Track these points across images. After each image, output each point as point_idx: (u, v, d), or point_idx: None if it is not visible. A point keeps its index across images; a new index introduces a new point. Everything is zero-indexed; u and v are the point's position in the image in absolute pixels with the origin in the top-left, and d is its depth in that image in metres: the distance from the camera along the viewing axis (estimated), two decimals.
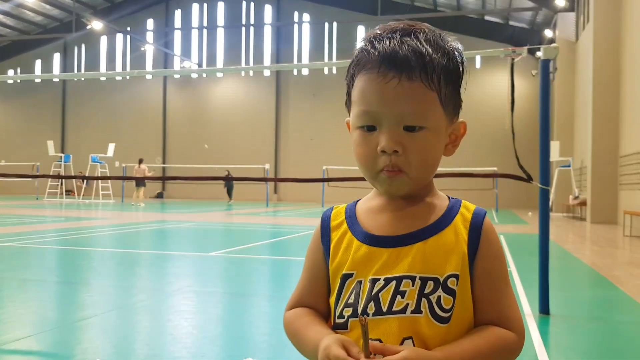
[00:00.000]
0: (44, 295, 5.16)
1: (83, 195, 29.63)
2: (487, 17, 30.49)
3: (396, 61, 0.94)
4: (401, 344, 0.94)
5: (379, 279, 0.97)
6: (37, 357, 3.28)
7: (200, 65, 35.13)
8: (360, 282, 0.99)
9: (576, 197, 19.81)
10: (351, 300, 0.99)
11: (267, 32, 34.71)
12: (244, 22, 34.85)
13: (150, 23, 36.34)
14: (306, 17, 33.89)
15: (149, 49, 35.31)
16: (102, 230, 11.72)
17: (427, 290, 0.95)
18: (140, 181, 23.54)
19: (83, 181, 30.54)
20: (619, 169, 16.90)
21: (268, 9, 34.48)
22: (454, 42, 1.02)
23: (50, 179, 29.24)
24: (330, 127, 30.24)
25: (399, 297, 0.95)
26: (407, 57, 0.94)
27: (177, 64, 35.67)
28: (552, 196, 20.94)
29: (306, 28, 33.98)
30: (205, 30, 35.57)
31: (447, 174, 5.16)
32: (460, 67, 1.01)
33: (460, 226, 1.00)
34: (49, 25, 36.64)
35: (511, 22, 30.12)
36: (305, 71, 33.01)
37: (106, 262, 7.39)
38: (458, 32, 30.43)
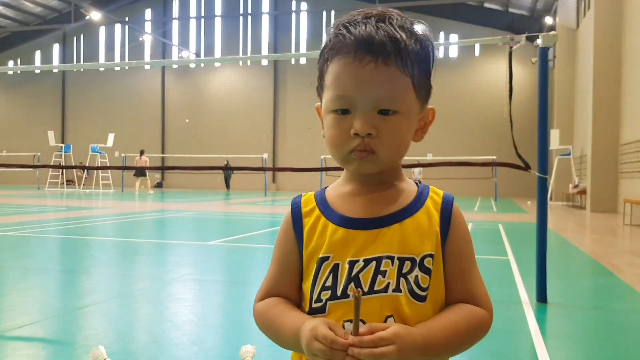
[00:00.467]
0: (46, 283, 5.19)
1: (83, 185, 29.66)
2: (486, 4, 30.32)
3: (372, 46, 0.95)
4: (384, 322, 0.96)
5: (357, 261, 0.98)
6: (40, 344, 3.31)
7: (198, 55, 35.03)
8: (337, 264, 1.00)
9: (576, 186, 19.83)
10: (329, 283, 0.99)
11: (265, 21, 34.57)
12: (241, 11, 34.69)
13: (148, 13, 36.19)
14: (304, 5, 33.74)
15: (147, 39, 35.18)
16: (103, 220, 11.75)
17: (404, 270, 0.98)
18: (140, 171, 23.58)
19: (83, 171, 30.57)
20: (620, 157, 16.90)
21: None
22: (426, 30, 1.04)
23: (51, 169, 29.24)
24: None
25: (380, 276, 0.97)
26: (383, 42, 0.95)
27: (175, 53, 35.56)
28: (551, 185, 20.97)
29: (304, 17, 33.83)
30: (203, 20, 35.43)
31: (446, 163, 5.17)
32: (431, 55, 1.03)
33: (432, 209, 1.04)
34: (48, 16, 36.49)
35: (511, 9, 29.97)
36: (303, 60, 32.91)
37: (107, 251, 7.43)
38: (457, 20, 30.44)
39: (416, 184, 1.09)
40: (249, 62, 34.55)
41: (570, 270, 6.60)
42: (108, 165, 27.01)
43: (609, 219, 14.23)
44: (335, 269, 0.99)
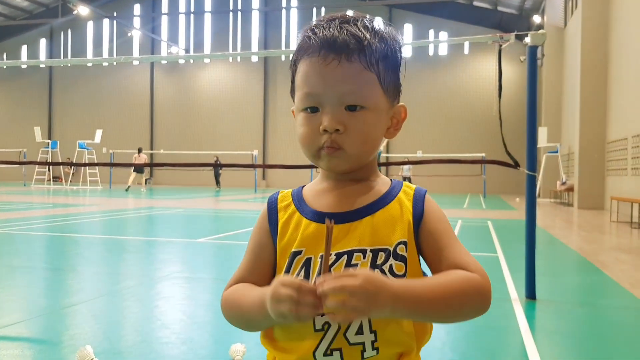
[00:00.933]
0: (32, 281, 5.14)
1: (70, 181, 29.42)
2: (475, 3, 30.42)
3: (336, 44, 0.99)
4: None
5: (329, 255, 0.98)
6: (26, 344, 3.27)
7: (187, 50, 34.85)
8: (309, 259, 1.01)
9: (563, 183, 19.98)
10: (301, 277, 0.99)
11: (255, 17, 34.45)
12: (231, 7, 34.56)
13: (137, 8, 35.94)
14: (294, 2, 33.66)
15: (136, 35, 34.93)
16: (90, 217, 11.66)
17: (379, 262, 0.98)
18: (139, 168, 23.50)
19: (70, 167, 30.31)
20: (606, 155, 17.05)
21: None
22: (393, 31, 1.06)
23: (37, 166, 28.98)
24: None
25: (351, 270, 0.96)
26: (345, 41, 0.99)
27: (164, 49, 35.35)
28: (539, 182, 21.10)
29: (294, 13, 33.76)
30: (192, 16, 35.25)
31: (435, 160, 5.18)
32: (398, 54, 1.06)
33: (404, 199, 1.05)
34: (35, 10, 36.13)
35: (500, 8, 30.09)
36: None
37: (94, 249, 7.37)
38: (447, 18, 30.51)
39: (391, 180, 1.10)
40: (238, 59, 34.42)
41: (559, 267, 6.64)
42: (95, 161, 26.82)
43: (596, 216, 14.35)
44: (307, 263, 1.01)
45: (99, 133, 25.72)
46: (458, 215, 12.96)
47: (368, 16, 1.06)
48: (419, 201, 1.06)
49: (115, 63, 36.32)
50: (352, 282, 0.84)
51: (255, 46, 34.01)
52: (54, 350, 3.14)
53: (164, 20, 35.79)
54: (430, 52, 31.10)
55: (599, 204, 17.23)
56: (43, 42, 37.34)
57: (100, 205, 15.19)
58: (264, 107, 33.83)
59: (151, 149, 34.66)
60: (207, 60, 34.80)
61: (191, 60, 35.18)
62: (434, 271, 1.02)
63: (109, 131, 31.31)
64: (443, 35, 30.68)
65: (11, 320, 3.69)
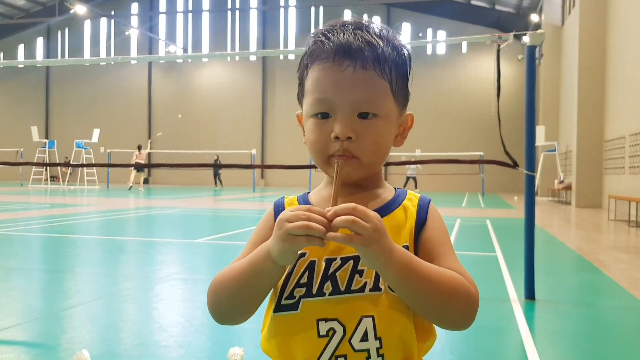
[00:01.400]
0: (30, 283, 5.12)
1: (68, 181, 29.36)
2: (473, 2, 30.42)
3: (351, 51, 0.98)
4: (359, 322, 0.94)
5: (335, 259, 0.98)
6: (23, 347, 3.25)
7: (185, 49, 34.79)
8: (313, 262, 0.99)
9: (561, 182, 19.98)
10: (304, 280, 0.98)
11: (253, 16, 34.39)
12: (229, 6, 34.49)
13: (134, 7, 35.86)
14: (292, 1, 33.61)
15: (134, 33, 34.86)
16: (88, 217, 11.63)
17: None
18: (139, 166, 23.46)
19: (68, 167, 30.26)
20: (604, 154, 17.05)
21: None
22: (402, 40, 1.06)
23: (34, 166, 28.91)
24: None
25: (357, 276, 0.96)
26: (360, 47, 0.98)
27: (162, 48, 35.28)
28: (537, 181, 21.11)
29: (292, 12, 33.71)
30: (190, 14, 35.19)
31: (434, 160, 5.16)
32: (408, 62, 1.06)
33: (408, 206, 1.06)
34: (32, 9, 36.04)
35: (497, 7, 30.08)
36: (291, 56, 32.78)
37: (92, 250, 7.34)
38: (444, 17, 30.50)
39: (395, 189, 1.10)
40: (237, 58, 34.36)
41: (557, 266, 6.64)
42: (93, 161, 26.77)
43: (594, 215, 14.36)
44: (311, 266, 0.99)
45: (96, 132, 25.67)
46: (456, 214, 12.95)
47: (379, 23, 1.05)
48: (422, 208, 1.06)
49: (113, 62, 36.25)
50: (365, 209, 0.86)
51: (253, 45, 33.96)
52: (50, 354, 3.12)
53: (162, 19, 35.72)
54: (429, 51, 31.08)
55: (596, 203, 17.24)
56: (40, 41, 37.24)
57: (97, 206, 15.15)
58: (262, 106, 33.79)
59: (149, 148, 34.57)
60: (205, 60, 34.74)
61: (189, 60, 35.13)
62: None
63: (106, 130, 31.25)
64: (441, 34, 30.67)
65: (7, 323, 3.67)
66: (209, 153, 28.49)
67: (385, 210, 1.04)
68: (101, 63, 35.58)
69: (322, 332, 0.95)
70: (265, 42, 33.83)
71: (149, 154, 33.69)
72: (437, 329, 1.03)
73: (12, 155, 29.66)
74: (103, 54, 35.98)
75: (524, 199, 4.77)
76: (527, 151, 4.71)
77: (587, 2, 17.81)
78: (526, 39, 4.81)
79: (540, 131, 20.44)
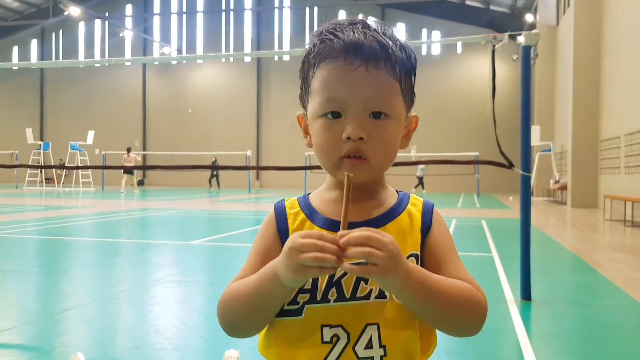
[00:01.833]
0: (25, 286, 5.09)
1: (63, 183, 29.26)
2: (467, 2, 30.46)
3: (362, 50, 0.96)
4: (364, 329, 0.94)
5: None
6: (18, 351, 3.22)
7: (179, 51, 34.72)
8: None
9: (557, 181, 20.03)
10: (308, 286, 0.96)
11: (247, 17, 34.35)
12: (223, 7, 34.45)
13: (128, 8, 35.78)
14: (287, 1, 33.60)
15: (128, 35, 34.76)
16: (83, 219, 11.58)
17: None
18: (129, 170, 23.37)
19: (63, 169, 30.15)
20: (599, 153, 17.10)
21: None
22: (407, 39, 1.04)
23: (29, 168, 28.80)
24: None
25: (362, 283, 0.96)
26: (372, 47, 0.96)
27: (156, 49, 35.20)
28: (532, 181, 21.15)
29: (287, 13, 33.69)
30: (184, 16, 35.12)
31: (430, 161, 5.16)
32: (415, 65, 1.04)
33: (413, 211, 1.04)
34: (26, 11, 35.90)
35: (492, 7, 30.13)
36: (286, 57, 32.77)
37: (87, 252, 7.31)
38: (439, 17, 30.54)
39: (397, 192, 1.09)
40: (231, 59, 34.31)
41: (553, 266, 6.64)
42: (88, 162, 26.68)
43: (590, 214, 14.39)
44: None
45: (91, 134, 25.58)
46: (452, 215, 12.96)
47: (386, 23, 1.03)
48: (427, 213, 1.05)
49: (107, 64, 36.14)
50: (379, 237, 0.83)
51: (248, 46, 33.91)
52: (46, 357, 3.10)
53: (156, 20, 35.64)
54: (423, 52, 31.10)
55: (592, 202, 17.28)
56: (34, 43, 37.10)
57: (93, 208, 15.10)
58: (257, 107, 33.75)
59: (144, 149, 34.51)
60: (199, 61, 34.69)
61: (184, 61, 35.05)
62: None
63: (101, 132, 31.16)
64: (436, 34, 30.70)
65: (3, 326, 3.64)
66: (207, 155, 28.42)
67: (389, 215, 1.02)
68: (95, 65, 35.45)
69: (326, 338, 0.94)
70: (259, 43, 33.80)
71: (144, 155, 33.64)
72: (437, 337, 1.03)
73: (7, 158, 29.53)
74: (97, 55, 35.86)
75: (519, 199, 4.77)
76: (523, 152, 4.71)
77: (581, 2, 17.85)
78: (521, 39, 4.81)
79: (535, 131, 20.48)
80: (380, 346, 0.94)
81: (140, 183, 34.58)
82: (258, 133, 33.70)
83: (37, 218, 11.70)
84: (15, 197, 19.57)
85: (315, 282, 0.97)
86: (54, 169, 31.89)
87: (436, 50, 31.29)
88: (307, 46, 1.03)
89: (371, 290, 0.95)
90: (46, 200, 18.28)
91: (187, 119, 34.41)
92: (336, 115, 0.97)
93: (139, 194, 22.68)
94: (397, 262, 0.85)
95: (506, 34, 4.85)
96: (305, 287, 0.96)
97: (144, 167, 6.49)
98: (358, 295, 0.95)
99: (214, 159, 27.25)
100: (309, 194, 1.10)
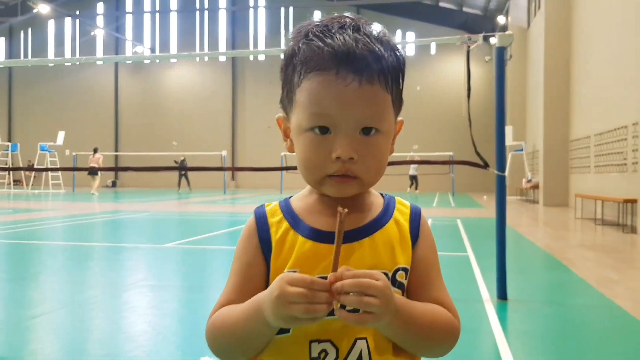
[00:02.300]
0: None
1: (32, 185, 28.66)
2: (441, 3, 30.74)
3: (355, 62, 0.89)
4: (354, 344, 0.91)
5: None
6: None
7: (153, 50, 34.30)
8: None
9: (529, 181, 20.31)
10: None
11: (222, 16, 34.11)
12: (198, 6, 34.14)
13: (100, 7, 35.22)
14: (262, 1, 33.46)
15: (100, 34, 34.21)
16: (53, 222, 11.33)
17: None
18: (93, 170, 22.92)
19: (32, 171, 29.53)
20: (570, 153, 17.39)
21: None
22: (392, 37, 0.98)
23: None
24: None
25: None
26: (365, 57, 0.89)
27: (129, 49, 34.72)
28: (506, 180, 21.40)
29: (262, 13, 33.55)
30: (158, 15, 34.71)
31: (410, 161, 5.15)
32: (404, 67, 0.98)
33: (400, 219, 1.01)
34: None
35: (465, 9, 30.46)
36: (261, 57, 32.63)
37: (57, 256, 7.13)
38: (413, 18, 30.75)
39: (381, 195, 1.05)
40: (206, 58, 34.02)
41: (528, 265, 6.71)
42: (58, 164, 26.17)
43: (561, 213, 14.62)
44: None
45: (61, 135, 25.07)
46: (428, 214, 12.96)
47: (375, 23, 0.97)
48: (415, 222, 1.02)
49: (78, 63, 35.53)
50: (374, 283, 0.80)
51: (222, 46, 33.67)
52: None
53: (129, 19, 35.14)
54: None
55: (563, 201, 17.56)
56: (1, 42, 36.28)
57: (63, 210, 14.79)
58: (232, 107, 33.53)
59: (116, 150, 34.00)
60: (173, 60, 34.31)
61: (157, 60, 34.64)
62: (412, 297, 0.98)
63: (71, 133, 30.57)
64: (410, 35, 30.90)
65: None
66: (177, 155, 28.07)
67: (376, 224, 0.99)
68: (66, 64, 34.81)
69: (314, 353, 0.91)
70: (234, 43, 33.59)
71: (116, 156, 33.14)
72: None
73: None
74: (68, 54, 35.23)
75: (493, 199, 4.79)
76: (498, 152, 4.73)
77: (552, 5, 18.14)
78: (493, 41, 4.84)
79: (508, 131, 20.74)
80: None
81: (113, 184, 34.07)
82: (233, 133, 33.48)
83: (4, 222, 11.40)
84: None
85: None
86: (22, 171, 31.20)
87: (410, 51, 31.48)
88: (289, 44, 0.96)
89: None
90: (14, 203, 17.86)
91: (161, 119, 34.02)
92: (324, 130, 0.91)
93: (110, 196, 22.31)
94: (390, 305, 0.83)
95: (481, 35, 4.86)
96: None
97: (115, 169, 6.37)
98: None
99: (182, 158, 26.89)
100: (290, 198, 1.05)
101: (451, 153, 25.09)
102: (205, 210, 15.45)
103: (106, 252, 7.51)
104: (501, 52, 4.79)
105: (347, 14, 0.97)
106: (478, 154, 4.81)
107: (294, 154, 0.99)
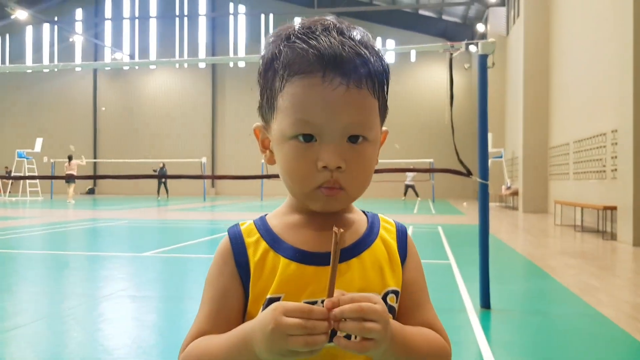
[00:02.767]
0: None
1: (9, 192, 28.12)
2: (421, 11, 30.98)
3: (343, 65, 0.84)
4: None
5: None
6: None
7: (132, 56, 34.00)
8: None
9: (508, 187, 20.48)
10: None
11: (202, 23, 33.99)
12: (177, 12, 33.96)
13: (79, 13, 34.85)
14: (242, 8, 33.41)
15: (78, 40, 33.83)
16: (30, 231, 11.09)
17: None
18: (70, 177, 22.59)
19: (9, 179, 28.99)
20: (549, 160, 17.58)
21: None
22: (374, 42, 0.93)
23: None
24: None
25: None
26: (352, 60, 0.85)
27: (107, 55, 34.37)
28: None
29: (242, 19, 33.49)
30: (137, 21, 34.44)
31: (389, 169, 5.12)
32: (388, 74, 0.93)
33: (387, 237, 0.96)
34: None
35: (444, 17, 30.74)
36: (242, 64, 32.55)
37: (33, 266, 6.96)
38: (393, 26, 30.94)
39: (364, 212, 1.00)
40: (185, 65, 33.81)
41: (510, 273, 6.71)
42: (36, 171, 25.75)
43: (541, 220, 14.74)
44: None
45: (39, 142, 24.67)
46: (409, 221, 13.03)
47: (356, 26, 0.92)
48: (402, 242, 0.98)
49: (56, 69, 35.06)
50: (374, 307, 0.75)
51: (202, 52, 33.51)
52: None
53: (108, 25, 34.82)
54: None
55: (543, 208, 17.73)
56: None
57: (40, 218, 14.51)
58: (212, 114, 33.35)
59: (94, 157, 33.57)
60: (152, 67, 34.04)
61: (136, 67, 34.34)
62: (402, 320, 0.92)
63: (50, 140, 30.12)
64: (390, 43, 31.08)
65: None
66: (156, 162, 27.77)
67: (363, 243, 0.93)
68: (44, 70, 34.32)
69: None
70: (214, 50, 33.44)
71: (94, 163, 32.71)
72: None
73: None
74: (46, 60, 34.77)
75: (473, 205, 4.78)
76: (481, 160, 4.73)
77: (531, 12, 18.38)
78: (473, 49, 4.85)
79: (488, 138, 20.93)
80: None
81: (91, 192, 33.60)
82: (213, 140, 33.28)
83: None
84: None
85: None
86: None
87: (390, 58, 31.65)
88: (269, 48, 0.90)
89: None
90: None
91: (140, 126, 33.70)
92: (308, 138, 0.85)
93: (88, 203, 21.99)
94: (388, 330, 0.78)
95: (463, 43, 4.87)
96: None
97: (93, 177, 6.25)
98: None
99: (161, 165, 26.64)
100: (265, 216, 0.98)
101: (431, 160, 25.22)
102: (185, 217, 15.28)
103: (84, 261, 7.36)
104: (484, 59, 4.80)
105: (328, 17, 0.91)
106: (461, 161, 4.80)
107: (274, 165, 0.93)
